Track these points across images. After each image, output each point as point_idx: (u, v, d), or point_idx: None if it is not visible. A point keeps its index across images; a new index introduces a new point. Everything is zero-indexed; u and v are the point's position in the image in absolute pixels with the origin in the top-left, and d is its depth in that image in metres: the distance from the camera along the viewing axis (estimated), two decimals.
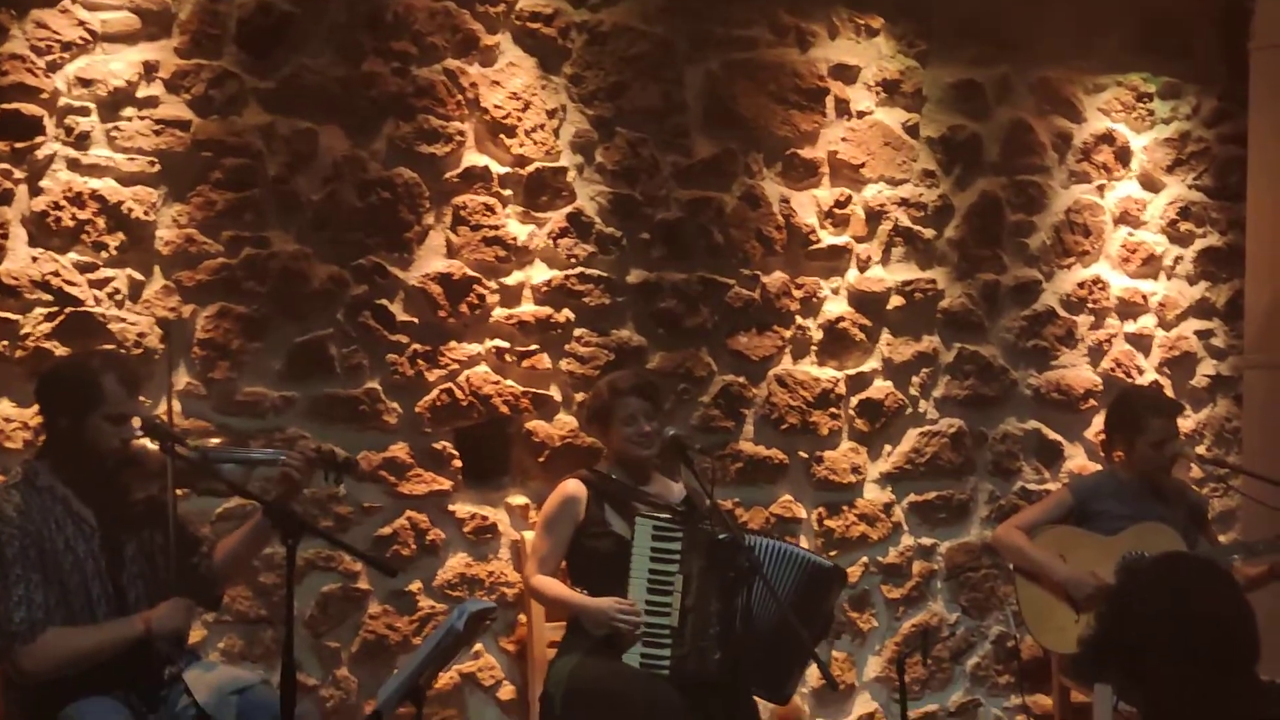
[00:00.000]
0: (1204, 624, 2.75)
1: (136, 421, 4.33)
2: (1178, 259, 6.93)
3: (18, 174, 4.85)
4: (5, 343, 4.83)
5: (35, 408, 4.57)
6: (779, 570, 5.14)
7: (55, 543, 4.25)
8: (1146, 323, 6.86)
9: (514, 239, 5.58)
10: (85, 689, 4.21)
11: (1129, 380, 6.72)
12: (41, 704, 4.22)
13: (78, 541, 4.29)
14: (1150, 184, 6.88)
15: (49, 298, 4.88)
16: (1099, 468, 6.46)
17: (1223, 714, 2.70)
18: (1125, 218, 6.81)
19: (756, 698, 5.23)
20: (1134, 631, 2.76)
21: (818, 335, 6.15)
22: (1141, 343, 6.83)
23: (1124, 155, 6.80)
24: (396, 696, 4.17)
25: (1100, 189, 6.76)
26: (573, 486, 5.33)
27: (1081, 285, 6.69)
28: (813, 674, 5.92)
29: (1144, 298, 6.84)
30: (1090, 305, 6.70)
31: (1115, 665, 2.77)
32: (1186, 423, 6.73)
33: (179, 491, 4.37)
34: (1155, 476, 5.95)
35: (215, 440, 4.93)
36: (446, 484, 5.48)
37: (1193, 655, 2.73)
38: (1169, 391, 6.70)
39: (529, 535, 5.42)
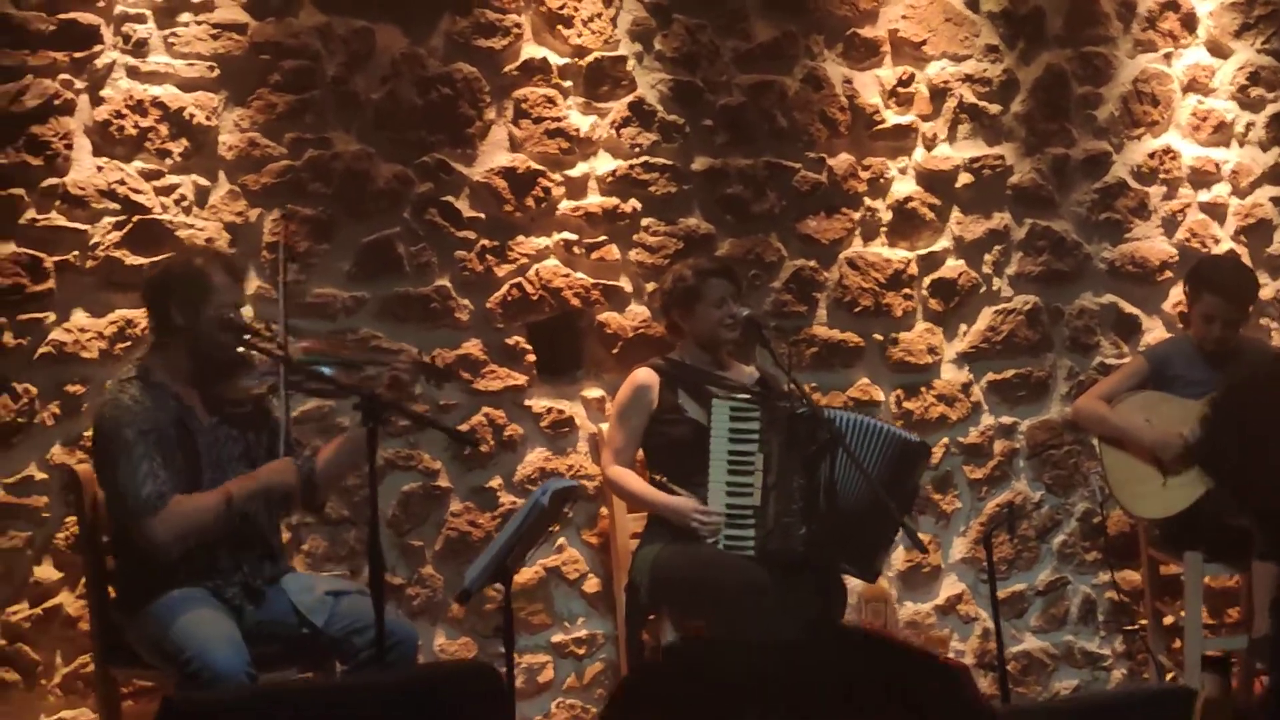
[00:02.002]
0: None
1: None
2: (1249, 125, 6.78)
3: (79, 84, 4.86)
4: (76, 253, 4.85)
5: (144, 310, 4.64)
6: (864, 444, 5.07)
7: (169, 432, 4.36)
8: (1220, 191, 6.72)
9: (576, 130, 5.54)
10: (182, 580, 4.32)
11: (1204, 251, 6.60)
12: (143, 592, 4.34)
13: (188, 436, 4.40)
14: (1218, 50, 6.73)
15: (116, 206, 4.89)
16: None
17: None
18: (1194, 85, 6.66)
19: (845, 576, 5.21)
20: (1247, 431, 2.67)
21: (887, 216, 6.07)
22: (1216, 211, 6.70)
23: (1190, 21, 6.65)
24: (485, 575, 4.18)
25: (1167, 57, 6.61)
26: (644, 375, 5.29)
27: (1152, 156, 6.56)
28: (898, 557, 5.89)
29: (1216, 166, 6.70)
30: (1162, 175, 6.57)
31: (1227, 473, 2.68)
32: (1266, 290, 6.59)
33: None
34: (1220, 345, 5.84)
35: (307, 342, 4.90)
36: (521, 379, 5.46)
37: None
38: (1246, 260, 6.57)
39: (606, 428, 5.39)
